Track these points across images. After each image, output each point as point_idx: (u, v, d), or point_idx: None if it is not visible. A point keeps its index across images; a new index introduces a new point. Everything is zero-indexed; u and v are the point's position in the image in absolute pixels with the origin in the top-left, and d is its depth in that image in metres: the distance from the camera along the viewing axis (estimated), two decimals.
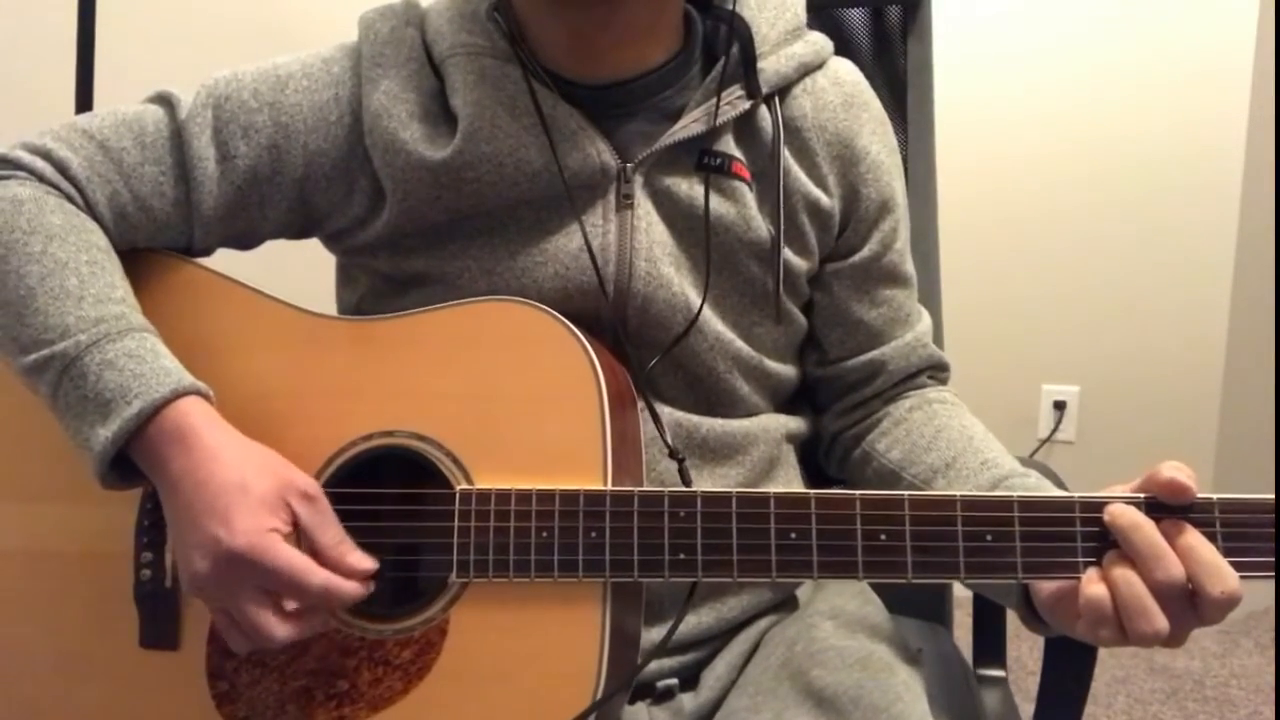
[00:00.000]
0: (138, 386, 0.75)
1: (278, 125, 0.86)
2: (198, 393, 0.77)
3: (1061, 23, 2.53)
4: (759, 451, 0.90)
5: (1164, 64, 2.46)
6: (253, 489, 0.73)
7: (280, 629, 0.73)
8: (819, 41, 0.91)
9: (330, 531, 0.76)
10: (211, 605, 0.77)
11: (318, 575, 0.73)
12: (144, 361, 0.76)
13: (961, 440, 0.89)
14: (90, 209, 0.84)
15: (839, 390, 0.97)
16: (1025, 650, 2.26)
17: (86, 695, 0.82)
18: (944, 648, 1.14)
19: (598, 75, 0.86)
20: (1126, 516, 0.69)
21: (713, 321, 0.87)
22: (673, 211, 0.86)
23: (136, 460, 0.76)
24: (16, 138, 0.86)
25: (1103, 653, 2.16)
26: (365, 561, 0.76)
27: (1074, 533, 0.71)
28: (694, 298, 0.86)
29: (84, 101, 1.58)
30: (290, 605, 0.74)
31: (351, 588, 0.75)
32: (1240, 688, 2.22)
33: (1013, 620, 1.08)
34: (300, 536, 0.75)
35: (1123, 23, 2.49)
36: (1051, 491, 0.80)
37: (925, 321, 0.98)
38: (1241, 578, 0.67)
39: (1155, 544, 0.68)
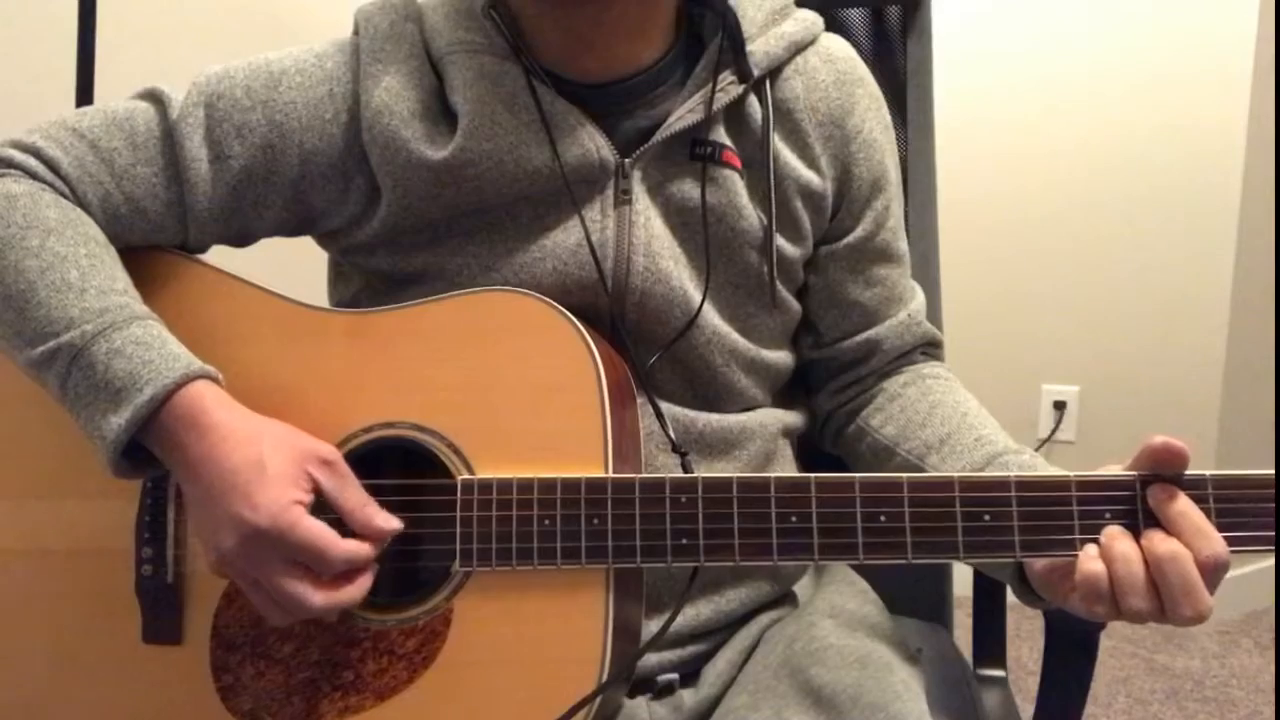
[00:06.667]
0: (148, 373, 0.75)
1: (272, 124, 0.85)
2: (207, 376, 0.77)
3: (1062, 22, 2.53)
4: (755, 446, 0.90)
5: (1164, 63, 2.46)
6: (271, 463, 0.73)
7: (315, 597, 0.73)
8: (809, 19, 0.91)
9: (353, 495, 0.76)
10: (242, 581, 0.76)
11: (340, 547, 0.73)
12: (151, 348, 0.76)
13: (956, 416, 0.90)
14: (84, 209, 0.84)
15: (834, 370, 0.97)
16: (1025, 650, 2.26)
17: (89, 692, 0.82)
18: (944, 648, 1.14)
19: (592, 73, 0.86)
20: (1180, 502, 0.70)
21: (710, 316, 0.87)
22: (669, 206, 0.86)
23: (151, 446, 0.76)
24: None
25: (1103, 653, 2.16)
26: (392, 521, 0.76)
27: (1070, 511, 0.72)
28: (692, 292, 0.86)
29: (84, 100, 1.58)
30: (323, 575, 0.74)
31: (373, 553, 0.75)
32: (1240, 688, 2.22)
33: (1013, 620, 1.09)
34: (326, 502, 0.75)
35: (1123, 22, 2.49)
36: (1046, 470, 0.80)
37: (919, 298, 0.98)
38: (1234, 552, 0.69)
39: (1199, 525, 0.69)
